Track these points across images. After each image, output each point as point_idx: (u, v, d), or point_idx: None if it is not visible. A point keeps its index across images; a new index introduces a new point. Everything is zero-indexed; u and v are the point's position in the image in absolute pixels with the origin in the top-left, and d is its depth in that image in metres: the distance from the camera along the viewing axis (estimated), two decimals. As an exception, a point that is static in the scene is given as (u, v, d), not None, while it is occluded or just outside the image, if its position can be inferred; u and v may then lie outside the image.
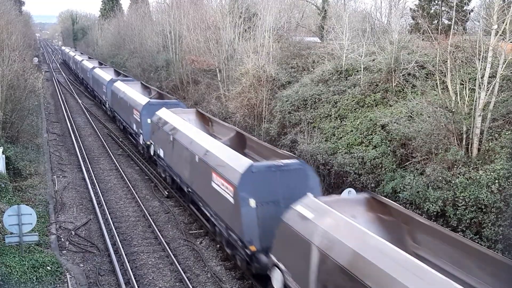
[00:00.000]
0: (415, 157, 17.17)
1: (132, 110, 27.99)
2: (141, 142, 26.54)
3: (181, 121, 20.33)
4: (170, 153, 20.21)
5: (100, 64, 56.43)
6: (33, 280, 13.32)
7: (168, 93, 36.92)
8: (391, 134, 18.61)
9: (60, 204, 20.18)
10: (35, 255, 14.40)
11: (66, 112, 41.68)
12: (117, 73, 45.48)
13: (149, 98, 28.87)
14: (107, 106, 39.30)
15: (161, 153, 21.79)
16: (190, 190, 18.07)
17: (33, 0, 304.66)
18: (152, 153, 23.98)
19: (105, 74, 42.39)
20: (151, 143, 23.83)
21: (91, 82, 48.88)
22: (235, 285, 14.36)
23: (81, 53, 78.37)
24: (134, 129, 27.98)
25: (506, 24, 14.94)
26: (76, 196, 21.48)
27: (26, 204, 15.69)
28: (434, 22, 26.81)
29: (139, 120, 26.30)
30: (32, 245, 14.88)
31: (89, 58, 66.43)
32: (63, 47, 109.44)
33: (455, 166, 15.15)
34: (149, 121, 24.48)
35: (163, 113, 22.41)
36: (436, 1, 28.99)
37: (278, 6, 33.67)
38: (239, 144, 17.90)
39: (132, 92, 30.20)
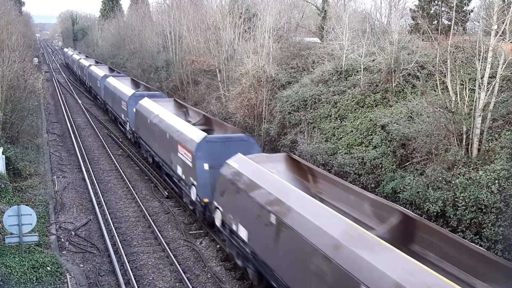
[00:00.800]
0: (415, 158, 17.17)
1: (176, 146, 19.47)
2: (193, 197, 17.90)
3: (289, 190, 11.89)
4: (268, 242, 11.93)
5: (112, 70, 48.44)
6: (33, 280, 13.31)
7: (167, 93, 36.76)
8: (391, 135, 18.62)
9: (60, 204, 20.17)
10: (35, 256, 14.40)
11: (66, 112, 41.70)
12: (136, 84, 37.42)
13: (194, 125, 21.23)
14: (127, 127, 30.95)
15: (241, 231, 13.51)
16: None
17: (33, 1, 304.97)
18: (218, 222, 15.46)
19: (123, 86, 34.16)
20: (217, 207, 15.39)
21: (102, 93, 40.64)
22: (235, 285, 14.35)
23: (87, 56, 69.32)
24: (179, 174, 19.29)
25: (506, 25, 14.95)
26: (76, 196, 21.48)
27: (26, 205, 15.70)
28: (434, 23, 26.81)
29: (190, 164, 17.80)
30: (32, 245, 14.88)
31: (97, 62, 58.41)
32: (65, 49, 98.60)
33: (455, 167, 15.15)
34: (206, 167, 17.06)
35: (242, 165, 14.24)
36: (436, 2, 29.00)
37: (278, 6, 33.73)
38: (404, 234, 9.95)
39: (170, 117, 22.17)
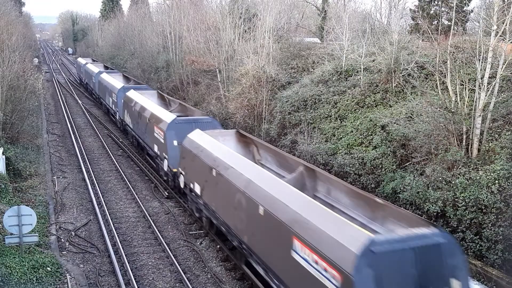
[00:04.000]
0: (415, 158, 17.17)
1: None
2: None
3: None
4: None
5: (171, 104, 28.17)
6: (33, 280, 13.31)
7: (167, 93, 36.68)
8: (391, 135, 18.61)
9: (60, 204, 20.17)
10: (35, 256, 14.40)
11: (66, 112, 41.69)
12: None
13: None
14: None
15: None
16: None
17: (33, 1, 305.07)
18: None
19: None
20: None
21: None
22: (235, 286, 14.35)
23: (125, 76, 41.94)
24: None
25: (506, 25, 14.95)
26: (76, 196, 21.47)
27: (26, 205, 15.71)
28: (434, 23, 26.81)
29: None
30: (32, 245, 14.88)
31: (148, 88, 34.27)
32: (79, 59, 63.80)
33: (455, 167, 15.15)
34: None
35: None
36: (436, 2, 29.00)
37: (278, 6, 33.71)
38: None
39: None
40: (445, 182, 14.89)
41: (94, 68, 48.34)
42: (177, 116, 21.71)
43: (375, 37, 25.38)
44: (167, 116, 22.15)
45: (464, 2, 26.40)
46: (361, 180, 18.39)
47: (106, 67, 51.85)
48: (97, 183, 23.22)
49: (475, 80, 15.77)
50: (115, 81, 36.77)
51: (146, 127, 24.53)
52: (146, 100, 26.62)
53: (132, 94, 29.25)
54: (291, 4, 40.42)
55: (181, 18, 41.96)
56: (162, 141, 21.40)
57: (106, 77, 40.04)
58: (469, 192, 13.96)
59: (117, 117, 33.88)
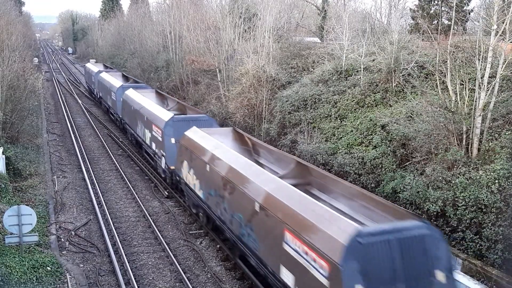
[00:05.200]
0: (415, 157, 17.17)
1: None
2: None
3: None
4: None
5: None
6: (33, 280, 13.31)
7: (167, 93, 36.62)
8: (391, 134, 18.61)
9: (60, 204, 20.17)
10: (35, 256, 14.40)
11: (66, 112, 41.70)
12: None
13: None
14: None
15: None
16: None
17: (33, 1, 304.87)
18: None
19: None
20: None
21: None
22: (235, 285, 14.36)
23: (159, 93, 31.22)
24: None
25: (506, 24, 14.94)
26: (76, 196, 21.47)
27: (26, 205, 15.71)
28: (434, 22, 26.80)
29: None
30: (32, 245, 14.88)
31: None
32: (88, 65, 52.97)
33: (455, 166, 15.15)
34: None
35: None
36: (436, 1, 28.99)
37: (278, 6, 33.71)
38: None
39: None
40: (445, 182, 14.89)
41: (112, 80, 37.07)
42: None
43: (375, 36, 25.38)
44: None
45: (464, 1, 26.39)
46: (361, 179, 18.39)
47: (125, 78, 40.19)
48: (97, 182, 23.22)
49: (475, 79, 15.76)
50: (154, 106, 25.46)
51: (244, 212, 13.09)
52: (233, 156, 15.25)
53: (197, 137, 17.88)
54: (291, 3, 40.40)
55: (181, 17, 41.95)
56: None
57: (137, 97, 28.55)
58: (469, 192, 13.96)
59: (162, 164, 21.98)
